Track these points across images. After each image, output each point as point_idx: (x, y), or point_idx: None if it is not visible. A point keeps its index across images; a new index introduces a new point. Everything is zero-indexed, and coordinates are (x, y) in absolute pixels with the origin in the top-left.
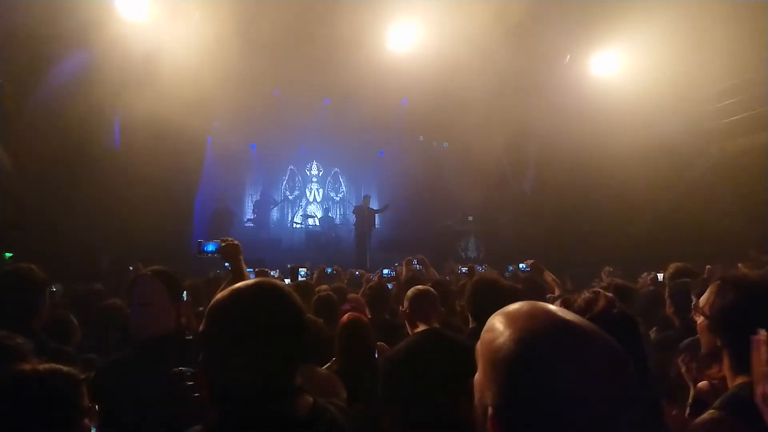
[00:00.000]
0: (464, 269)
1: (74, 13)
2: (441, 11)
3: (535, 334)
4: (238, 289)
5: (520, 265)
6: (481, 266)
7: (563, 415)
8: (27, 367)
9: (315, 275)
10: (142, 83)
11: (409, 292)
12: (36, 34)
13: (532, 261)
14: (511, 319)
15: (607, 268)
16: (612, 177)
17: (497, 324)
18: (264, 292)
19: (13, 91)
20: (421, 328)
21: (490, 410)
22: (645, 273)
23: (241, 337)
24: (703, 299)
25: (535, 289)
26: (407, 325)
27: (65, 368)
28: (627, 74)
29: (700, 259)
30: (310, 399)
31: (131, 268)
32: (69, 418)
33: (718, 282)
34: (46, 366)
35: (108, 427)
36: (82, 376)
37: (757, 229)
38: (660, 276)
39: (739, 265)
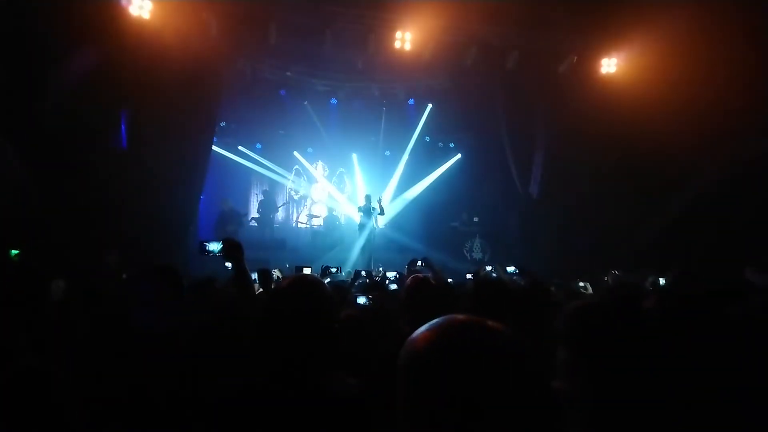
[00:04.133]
0: (469, 275)
1: (81, 12)
2: (448, 11)
3: (433, 339)
4: None
5: (508, 269)
6: (490, 267)
7: (442, 411)
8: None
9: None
10: (149, 83)
11: (408, 281)
12: (43, 32)
13: (518, 264)
14: (426, 330)
15: (613, 272)
16: (620, 179)
17: (414, 335)
18: None
19: (20, 91)
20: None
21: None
22: (651, 277)
23: None
24: None
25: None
26: (404, 320)
27: (41, 367)
28: (633, 73)
29: (709, 262)
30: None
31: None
32: (44, 415)
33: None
34: (23, 365)
35: (110, 423)
36: (59, 375)
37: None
38: (662, 280)
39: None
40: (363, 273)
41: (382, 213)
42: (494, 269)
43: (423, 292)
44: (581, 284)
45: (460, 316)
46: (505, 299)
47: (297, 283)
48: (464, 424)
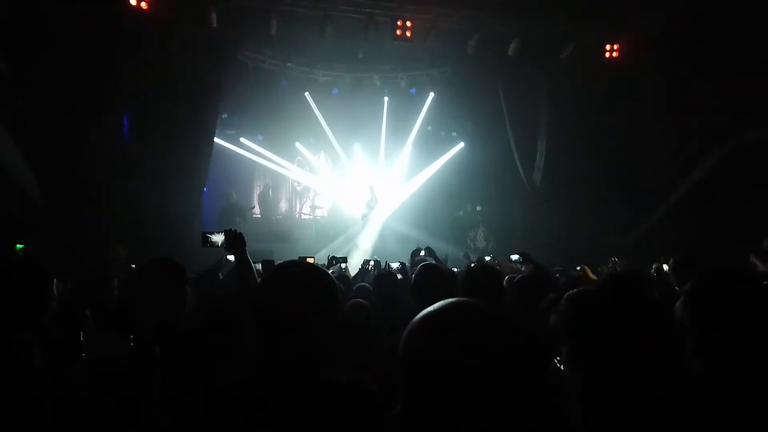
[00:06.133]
0: (473, 263)
1: (79, 4)
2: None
3: (422, 319)
4: None
5: (512, 257)
6: (489, 257)
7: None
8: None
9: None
10: (148, 75)
11: (417, 268)
12: (42, 26)
13: (522, 252)
14: (423, 313)
15: (612, 260)
16: (622, 167)
17: (414, 319)
18: None
19: (23, 87)
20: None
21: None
22: (655, 265)
23: None
24: None
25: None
26: (414, 306)
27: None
28: (637, 60)
29: (710, 250)
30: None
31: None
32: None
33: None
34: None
35: (111, 417)
36: (62, 371)
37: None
38: (665, 267)
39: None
40: (371, 262)
41: (378, 205)
42: (493, 258)
43: (432, 278)
44: (578, 268)
45: (457, 299)
46: (492, 282)
47: (297, 269)
48: (456, 405)
